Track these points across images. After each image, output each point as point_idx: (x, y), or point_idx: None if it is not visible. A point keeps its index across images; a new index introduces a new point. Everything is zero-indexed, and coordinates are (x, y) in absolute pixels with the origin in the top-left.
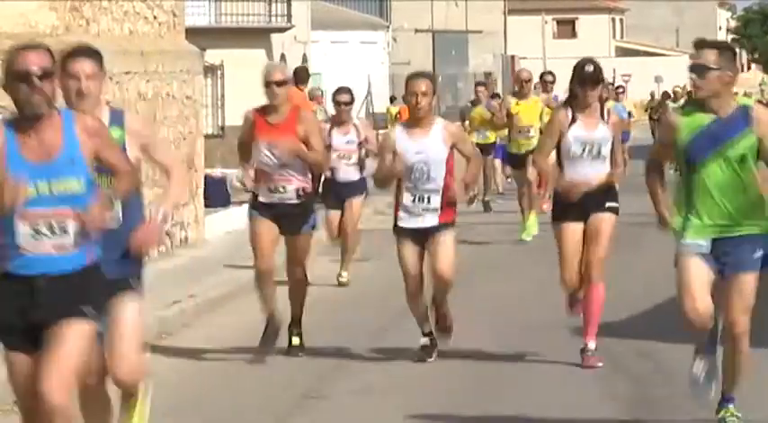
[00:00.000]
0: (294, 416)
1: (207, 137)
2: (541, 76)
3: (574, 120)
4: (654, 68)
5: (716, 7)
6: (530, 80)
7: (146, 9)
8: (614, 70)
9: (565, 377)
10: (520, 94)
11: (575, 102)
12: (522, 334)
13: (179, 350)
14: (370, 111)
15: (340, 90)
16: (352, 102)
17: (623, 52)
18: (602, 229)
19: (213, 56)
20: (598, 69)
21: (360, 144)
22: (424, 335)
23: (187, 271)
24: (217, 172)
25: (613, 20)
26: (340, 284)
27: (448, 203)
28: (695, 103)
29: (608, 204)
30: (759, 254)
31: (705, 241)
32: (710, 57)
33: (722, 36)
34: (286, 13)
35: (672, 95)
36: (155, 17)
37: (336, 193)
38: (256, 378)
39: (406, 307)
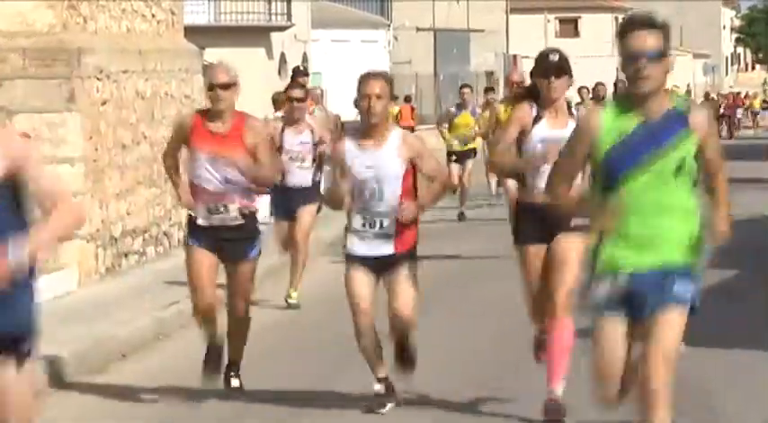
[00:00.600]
0: (294, 417)
1: None
2: (531, 75)
3: (539, 117)
4: None
5: (720, 6)
6: (521, 82)
7: (144, 7)
8: (617, 69)
9: (568, 383)
10: (513, 100)
11: (539, 98)
12: (521, 335)
13: (176, 351)
14: None
15: (293, 84)
16: (306, 97)
17: None
18: (569, 254)
19: (212, 55)
20: (563, 59)
21: (315, 145)
22: (379, 381)
23: (185, 271)
24: None
25: (616, 18)
26: (290, 306)
27: (404, 226)
28: (622, 100)
29: (575, 223)
30: (689, 290)
31: (623, 276)
32: (657, 38)
33: (726, 35)
34: (286, 11)
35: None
36: (153, 15)
37: (287, 201)
38: (255, 380)
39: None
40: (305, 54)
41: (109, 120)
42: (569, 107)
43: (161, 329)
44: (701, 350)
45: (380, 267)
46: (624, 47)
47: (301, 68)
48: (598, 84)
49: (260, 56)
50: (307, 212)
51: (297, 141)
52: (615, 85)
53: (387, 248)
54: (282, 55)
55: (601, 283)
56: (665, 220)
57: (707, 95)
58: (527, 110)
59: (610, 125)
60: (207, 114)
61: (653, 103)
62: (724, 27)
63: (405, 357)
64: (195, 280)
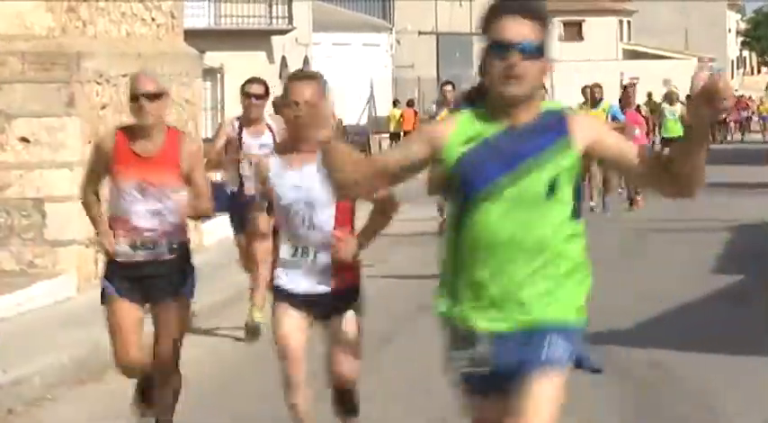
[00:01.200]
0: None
1: (206, 141)
2: None
3: None
4: (662, 71)
5: (725, 9)
6: None
7: (143, 10)
8: (622, 74)
9: (570, 386)
10: None
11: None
12: None
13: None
14: (373, 114)
15: (251, 80)
16: (265, 95)
17: (631, 55)
18: None
19: (213, 58)
20: None
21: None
22: None
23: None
24: (215, 177)
25: (621, 22)
26: (249, 330)
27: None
28: (484, 104)
29: None
30: (568, 349)
31: (483, 343)
32: (535, 29)
33: (732, 38)
34: (287, 14)
35: (668, 97)
36: (153, 19)
37: (246, 213)
38: (256, 386)
39: (408, 314)
40: (306, 58)
41: (108, 124)
42: None
43: None
44: (703, 354)
45: (316, 308)
46: (490, 37)
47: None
48: (594, 85)
49: (261, 59)
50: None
51: (257, 144)
52: (625, 88)
53: (323, 285)
54: (284, 58)
55: (459, 352)
56: (535, 261)
57: None
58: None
59: (463, 132)
60: (132, 133)
61: (523, 108)
62: (729, 30)
63: (347, 408)
64: (116, 335)
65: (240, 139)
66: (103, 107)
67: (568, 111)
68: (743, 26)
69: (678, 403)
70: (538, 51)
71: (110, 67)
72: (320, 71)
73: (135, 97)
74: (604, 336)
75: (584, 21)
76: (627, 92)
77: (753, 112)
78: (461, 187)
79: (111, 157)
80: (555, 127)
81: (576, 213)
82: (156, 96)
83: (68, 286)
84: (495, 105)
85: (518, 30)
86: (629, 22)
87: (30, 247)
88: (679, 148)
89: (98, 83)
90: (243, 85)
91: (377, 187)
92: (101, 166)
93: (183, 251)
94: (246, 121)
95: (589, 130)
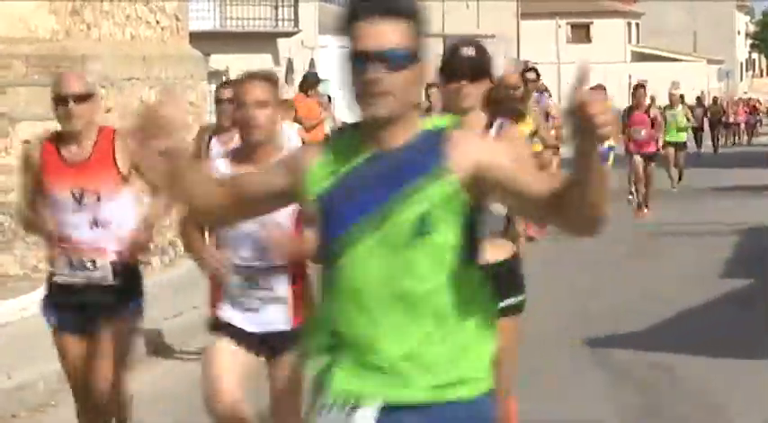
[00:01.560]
0: None
1: None
2: (522, 74)
3: None
4: (670, 73)
5: (734, 11)
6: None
7: (148, 13)
8: (630, 76)
9: (572, 390)
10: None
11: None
12: (527, 344)
13: (180, 362)
14: None
15: (223, 84)
16: None
17: (639, 57)
18: (505, 340)
19: (218, 61)
20: (483, 54)
21: None
22: None
23: (190, 281)
24: None
25: (629, 24)
26: None
27: (299, 286)
28: (352, 128)
29: (505, 303)
30: None
31: (370, 408)
32: (403, 31)
33: (740, 40)
34: (293, 17)
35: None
36: (157, 21)
37: None
38: (254, 390)
39: None
40: (312, 60)
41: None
42: (492, 118)
43: (166, 339)
44: (705, 356)
45: (265, 345)
46: (350, 46)
47: (313, 73)
48: (597, 87)
49: (266, 62)
50: None
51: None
52: (635, 88)
53: (279, 321)
54: (289, 61)
55: (330, 414)
56: (414, 317)
57: (715, 100)
58: None
59: (327, 162)
60: (59, 139)
61: (395, 129)
62: (738, 32)
63: None
64: (70, 374)
65: (208, 149)
66: (108, 111)
67: (452, 128)
68: (752, 28)
69: (678, 403)
70: (408, 59)
71: (114, 70)
72: (328, 75)
73: (61, 99)
74: (607, 336)
75: (591, 23)
76: (638, 92)
77: (759, 116)
78: (324, 226)
79: (40, 169)
80: (430, 150)
81: (470, 254)
82: (84, 98)
83: None
84: (363, 127)
85: (380, 35)
86: (637, 24)
87: (34, 251)
88: (570, 174)
89: (102, 86)
90: (216, 89)
91: (237, 217)
92: (32, 180)
93: (131, 276)
94: (218, 128)
95: (475, 151)
